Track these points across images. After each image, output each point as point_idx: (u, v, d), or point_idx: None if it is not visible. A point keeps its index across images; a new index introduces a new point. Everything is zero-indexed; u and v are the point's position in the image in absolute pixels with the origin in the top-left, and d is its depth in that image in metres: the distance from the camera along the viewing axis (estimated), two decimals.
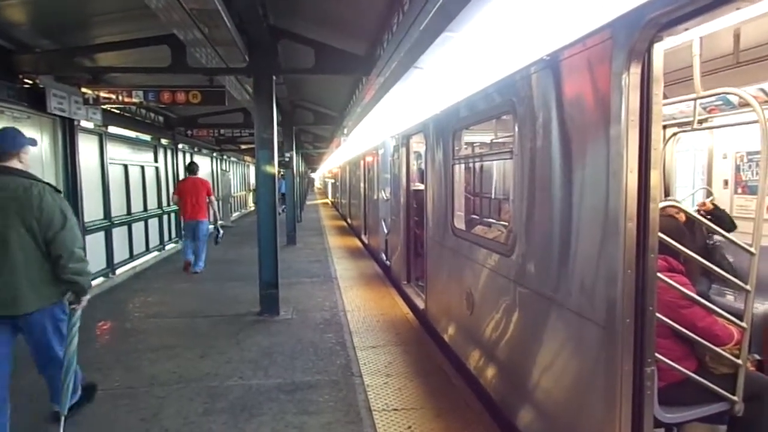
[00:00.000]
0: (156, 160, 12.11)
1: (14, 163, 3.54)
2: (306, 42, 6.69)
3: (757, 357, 3.33)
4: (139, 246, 10.66)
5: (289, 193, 14.94)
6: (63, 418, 3.57)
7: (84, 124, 7.96)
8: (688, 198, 5.34)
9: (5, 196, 3.38)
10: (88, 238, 7.92)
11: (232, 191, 21.20)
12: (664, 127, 4.65)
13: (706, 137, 5.20)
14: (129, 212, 10.35)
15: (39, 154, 6.85)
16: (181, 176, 12.68)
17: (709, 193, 5.15)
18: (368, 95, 7.12)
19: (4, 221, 3.35)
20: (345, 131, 13.00)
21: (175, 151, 13.33)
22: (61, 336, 3.67)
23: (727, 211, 4.95)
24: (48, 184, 3.62)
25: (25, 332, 3.56)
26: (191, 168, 10.06)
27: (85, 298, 3.68)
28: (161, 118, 12.39)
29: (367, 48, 6.99)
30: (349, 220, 19.57)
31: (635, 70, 2.25)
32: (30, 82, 6.54)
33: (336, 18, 6.82)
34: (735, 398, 2.74)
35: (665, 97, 2.65)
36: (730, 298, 3.91)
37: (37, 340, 3.59)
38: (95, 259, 8.35)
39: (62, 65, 6.65)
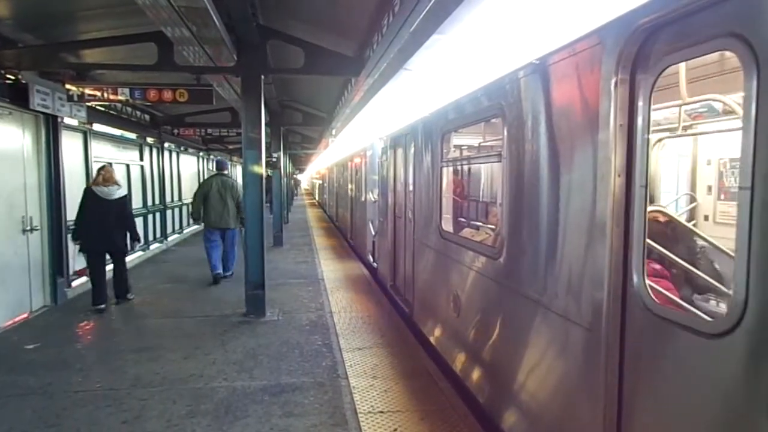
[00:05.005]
0: (141, 159, 11.98)
1: (226, 172, 9.08)
2: (295, 42, 6.66)
3: None
4: None
5: (276, 193, 14.87)
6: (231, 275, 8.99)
7: (68, 121, 7.83)
8: (671, 204, 5.39)
9: (225, 186, 8.67)
10: (71, 237, 7.80)
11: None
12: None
13: (690, 143, 5.26)
14: None
15: (20, 151, 6.73)
16: (167, 175, 13.87)
17: (692, 199, 5.22)
18: (357, 96, 7.12)
19: (225, 194, 8.60)
20: (333, 132, 12.99)
21: (161, 150, 13.20)
22: (235, 240, 8.92)
23: (711, 216, 5.01)
24: (235, 180, 9.15)
25: (227, 236, 8.85)
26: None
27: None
28: (147, 117, 12.26)
29: (356, 49, 6.98)
30: (336, 222, 19.52)
31: (624, 75, 2.26)
32: (12, 77, 6.42)
33: (326, 18, 6.81)
34: None
35: None
36: (713, 303, 3.95)
37: (229, 240, 8.91)
38: (79, 259, 8.20)
39: (46, 61, 6.54)
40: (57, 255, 7.38)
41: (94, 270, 6.99)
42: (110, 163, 7.98)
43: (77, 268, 7.72)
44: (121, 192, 7.02)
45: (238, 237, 8.69)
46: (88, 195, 6.81)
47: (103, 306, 6.89)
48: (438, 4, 3.10)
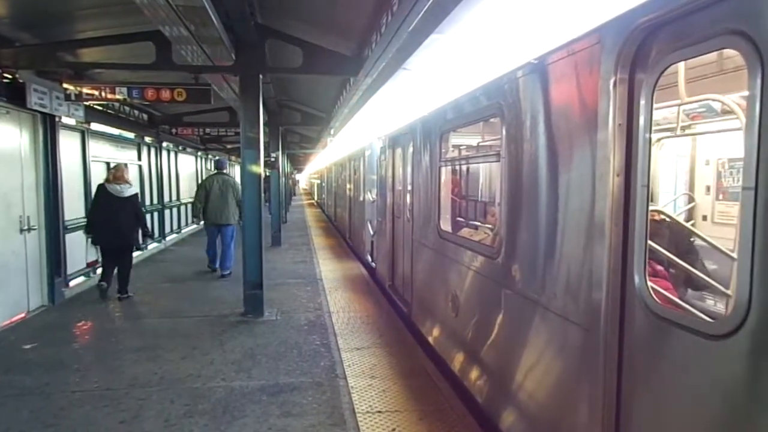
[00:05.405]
0: (139, 158, 11.96)
1: (225, 171, 9.67)
2: (294, 41, 6.65)
3: None
4: None
5: (274, 192, 14.86)
6: (230, 272, 9.20)
7: (65, 120, 7.80)
8: (670, 204, 5.40)
9: (226, 184, 9.22)
10: (69, 237, 7.80)
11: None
12: None
13: (689, 143, 5.27)
14: None
15: (18, 150, 6.71)
16: (165, 174, 13.83)
17: (690, 199, 5.22)
18: (356, 96, 7.11)
19: (227, 192, 9.16)
20: (332, 132, 12.98)
21: (159, 150, 13.17)
22: (233, 236, 9.29)
23: (709, 216, 5.01)
24: (236, 180, 9.43)
25: (224, 232, 9.28)
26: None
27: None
28: (145, 116, 12.23)
29: (355, 48, 6.97)
30: (334, 222, 19.52)
31: (623, 75, 2.26)
32: (9, 76, 6.39)
33: (324, 18, 6.80)
34: None
35: None
36: (710, 302, 3.95)
37: (227, 235, 9.27)
38: (76, 259, 8.21)
39: (43, 60, 6.51)
40: (54, 255, 7.36)
41: (106, 261, 7.61)
42: (126, 164, 8.60)
43: (89, 260, 8.51)
44: (132, 190, 7.48)
45: (237, 234, 9.17)
46: (101, 191, 7.27)
47: (105, 285, 7.44)
48: (437, 3, 3.10)
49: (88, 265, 8.51)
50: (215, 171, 9.90)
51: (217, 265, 9.49)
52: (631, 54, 2.23)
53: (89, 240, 7.45)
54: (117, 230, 7.24)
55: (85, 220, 7.52)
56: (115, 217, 7.18)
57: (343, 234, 15.41)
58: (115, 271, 7.60)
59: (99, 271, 8.82)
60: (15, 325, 6.32)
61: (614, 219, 2.32)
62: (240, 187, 8.74)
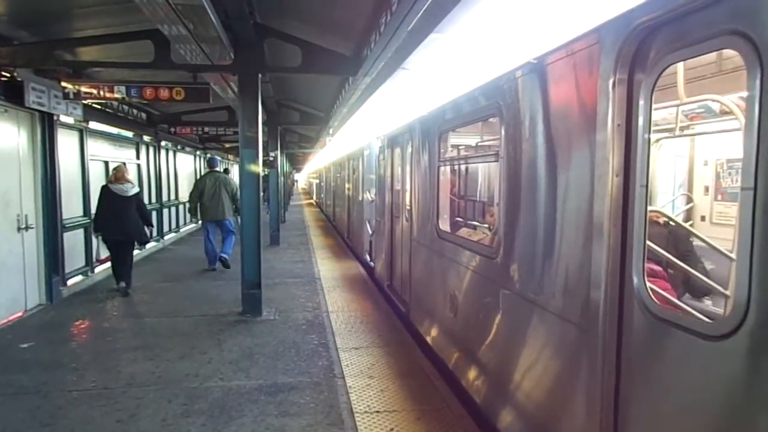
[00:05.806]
0: (138, 157, 11.93)
1: (217, 170, 10.29)
2: (293, 41, 6.64)
3: None
4: None
5: (273, 191, 14.83)
6: (228, 257, 9.71)
7: (64, 119, 7.78)
8: (668, 204, 5.40)
9: (218, 181, 9.73)
10: (67, 236, 7.78)
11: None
12: None
13: (687, 144, 5.27)
14: None
15: (15, 149, 6.69)
16: (163, 173, 13.88)
17: (689, 200, 5.23)
18: (355, 95, 7.10)
19: (220, 189, 9.66)
20: (330, 131, 12.97)
21: (157, 149, 13.16)
22: (231, 227, 9.83)
23: (707, 217, 5.02)
24: (228, 176, 10.30)
25: (222, 226, 9.77)
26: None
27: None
28: (144, 115, 12.20)
29: (354, 48, 6.96)
30: (333, 221, 19.51)
31: (622, 75, 2.26)
32: (7, 75, 6.37)
33: (323, 17, 6.79)
34: None
35: None
36: (708, 302, 3.96)
37: (225, 228, 9.78)
38: (75, 258, 8.20)
39: (41, 58, 6.48)
40: (52, 253, 7.34)
41: (113, 257, 7.93)
42: (125, 164, 8.92)
43: (101, 257, 8.89)
44: (135, 189, 7.84)
45: (234, 224, 9.96)
46: (106, 192, 7.60)
47: (124, 285, 7.79)
48: (436, 3, 3.10)
49: (101, 261, 8.92)
50: (207, 170, 10.41)
51: (219, 251, 9.84)
52: (630, 54, 2.23)
53: (99, 237, 7.87)
54: (122, 228, 7.58)
55: (92, 219, 7.88)
56: (119, 216, 7.49)
57: (342, 234, 15.40)
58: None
59: (98, 269, 8.92)
60: (12, 323, 6.31)
61: (613, 219, 2.32)
62: (233, 182, 9.76)
